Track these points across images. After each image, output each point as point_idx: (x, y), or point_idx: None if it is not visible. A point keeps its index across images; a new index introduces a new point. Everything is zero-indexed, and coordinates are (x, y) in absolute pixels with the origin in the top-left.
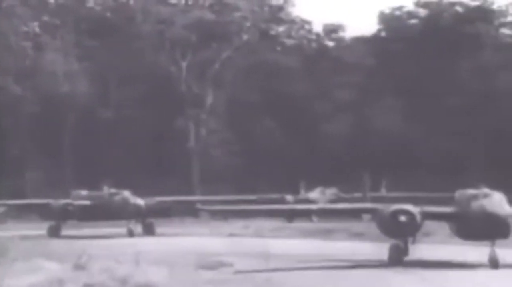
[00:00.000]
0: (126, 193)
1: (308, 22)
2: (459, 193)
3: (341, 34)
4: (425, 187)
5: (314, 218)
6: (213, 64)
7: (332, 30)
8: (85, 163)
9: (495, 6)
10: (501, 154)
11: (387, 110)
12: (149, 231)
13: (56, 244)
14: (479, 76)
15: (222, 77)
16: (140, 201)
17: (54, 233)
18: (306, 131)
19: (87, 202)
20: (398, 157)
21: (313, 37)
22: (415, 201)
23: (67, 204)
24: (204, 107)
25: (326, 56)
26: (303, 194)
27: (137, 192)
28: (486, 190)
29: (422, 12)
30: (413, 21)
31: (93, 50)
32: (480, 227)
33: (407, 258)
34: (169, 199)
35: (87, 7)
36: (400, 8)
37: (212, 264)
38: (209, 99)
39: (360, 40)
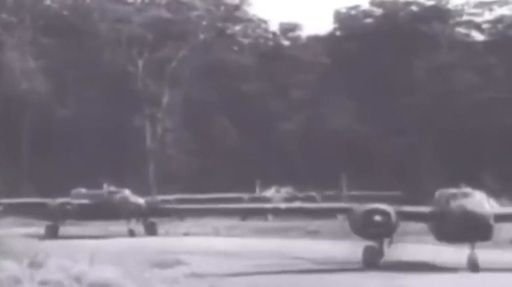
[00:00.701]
0: (126, 192)
1: (265, 21)
2: (439, 192)
3: (297, 33)
4: (382, 186)
5: (270, 217)
6: (169, 63)
7: (288, 29)
8: (42, 161)
9: (450, 6)
10: (455, 152)
11: (343, 109)
12: (151, 231)
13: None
14: (435, 75)
15: (178, 76)
16: (140, 200)
17: (51, 233)
18: (262, 130)
19: (85, 201)
20: (353, 155)
21: (270, 36)
22: (372, 200)
23: (65, 203)
24: (160, 106)
25: (282, 55)
26: (258, 193)
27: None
28: (466, 189)
29: (378, 11)
30: (369, 20)
31: (50, 48)
32: (459, 229)
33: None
34: (171, 197)
35: (44, 4)
36: (355, 7)
37: (167, 263)
38: (166, 98)
39: (316, 39)
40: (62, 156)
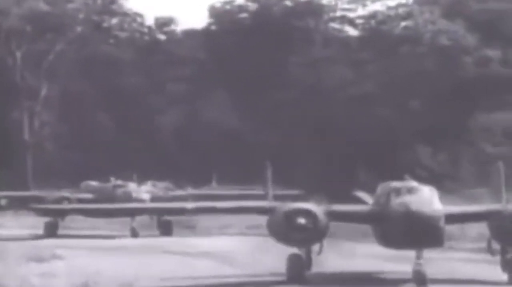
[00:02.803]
0: (132, 186)
1: (140, 15)
2: (381, 187)
3: (172, 27)
4: (257, 180)
5: None
6: (47, 56)
7: (163, 23)
8: None
9: (324, 1)
10: (330, 147)
11: (218, 104)
12: (165, 230)
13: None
14: (309, 70)
15: (56, 69)
16: (145, 196)
17: (50, 231)
18: (139, 124)
19: (86, 195)
20: (229, 149)
21: (145, 30)
22: (248, 197)
23: (63, 198)
24: (38, 99)
25: (158, 49)
26: None
27: None
28: (412, 183)
29: (252, 6)
30: (244, 15)
31: None
32: (402, 232)
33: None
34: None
35: None
36: (230, 2)
37: (44, 257)
38: (44, 91)
39: (191, 34)
40: None
